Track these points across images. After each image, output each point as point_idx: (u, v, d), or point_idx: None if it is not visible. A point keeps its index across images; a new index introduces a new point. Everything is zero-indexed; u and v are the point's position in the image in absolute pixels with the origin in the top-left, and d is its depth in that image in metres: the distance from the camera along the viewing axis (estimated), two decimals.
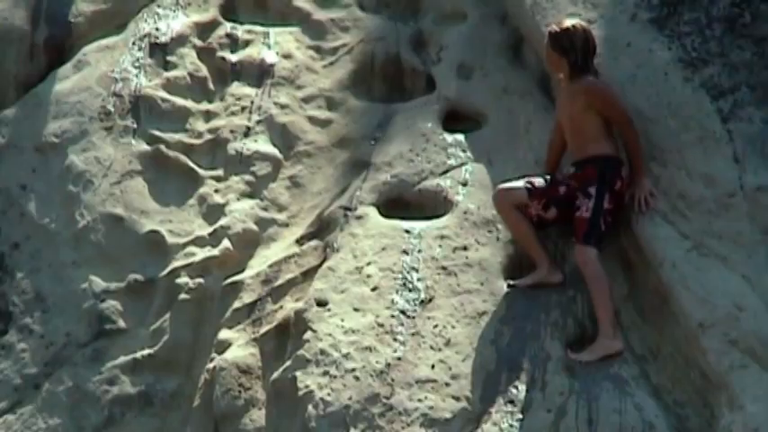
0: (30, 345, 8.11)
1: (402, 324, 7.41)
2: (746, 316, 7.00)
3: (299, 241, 8.07)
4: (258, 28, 9.51)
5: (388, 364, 7.17)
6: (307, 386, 7.24)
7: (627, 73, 7.64)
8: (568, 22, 7.77)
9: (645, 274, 7.36)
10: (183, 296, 8.17)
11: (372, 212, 8.17)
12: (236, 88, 9.16)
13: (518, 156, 8.35)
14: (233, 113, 8.98)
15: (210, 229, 8.47)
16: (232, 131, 8.76)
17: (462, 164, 8.42)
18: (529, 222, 7.36)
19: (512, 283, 7.45)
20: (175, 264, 8.30)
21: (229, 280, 8.18)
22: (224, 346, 7.67)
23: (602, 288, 7.21)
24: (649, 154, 7.44)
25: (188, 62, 9.28)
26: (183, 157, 8.80)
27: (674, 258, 7.10)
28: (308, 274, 7.87)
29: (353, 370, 7.26)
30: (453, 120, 8.70)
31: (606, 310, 7.17)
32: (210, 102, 9.14)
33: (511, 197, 7.36)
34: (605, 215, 7.22)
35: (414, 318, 7.42)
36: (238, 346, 7.64)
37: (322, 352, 7.30)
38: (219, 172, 8.74)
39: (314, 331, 7.39)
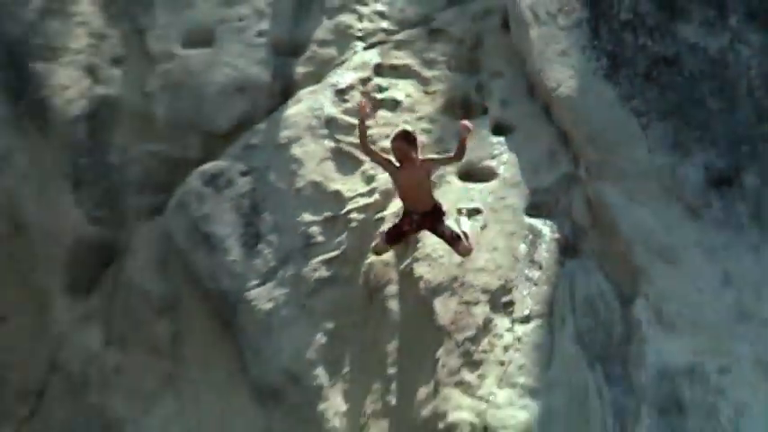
0: None
1: None
2: None
3: None
4: (393, 81, 10.78)
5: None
6: (419, 274, 9.33)
7: None
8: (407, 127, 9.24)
9: None
10: (353, 225, 9.94)
11: (454, 179, 9.94)
12: (382, 113, 10.50)
13: (534, 149, 9.84)
14: (381, 126, 10.33)
15: (368, 188, 10.15)
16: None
17: (502, 153, 9.94)
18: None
19: None
20: (349, 206, 10.09)
21: (378, 215, 9.93)
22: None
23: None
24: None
25: (355, 99, 10.53)
26: (355, 151, 10.28)
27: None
28: None
29: (442, 256, 9.29)
30: (498, 130, 10.19)
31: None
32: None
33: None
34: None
35: None
36: None
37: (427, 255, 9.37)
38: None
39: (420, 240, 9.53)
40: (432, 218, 9.08)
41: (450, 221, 9.13)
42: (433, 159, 9.04)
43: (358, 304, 9.56)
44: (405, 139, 8.86)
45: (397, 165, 8.96)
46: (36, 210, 10.82)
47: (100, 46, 11.02)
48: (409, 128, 9.14)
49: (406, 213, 9.16)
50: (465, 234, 9.13)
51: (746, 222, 8.90)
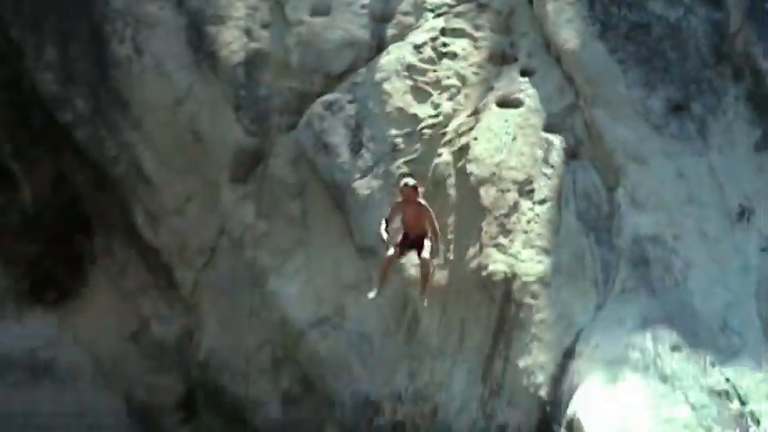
0: None
1: None
2: None
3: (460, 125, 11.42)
4: (453, 39, 11.80)
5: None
6: (470, 171, 10.84)
7: None
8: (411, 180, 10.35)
9: None
10: (425, 137, 11.27)
11: (494, 107, 11.30)
12: (445, 61, 11.76)
13: (549, 86, 11.02)
14: (444, 70, 11.71)
15: (435, 112, 11.28)
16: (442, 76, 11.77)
17: (527, 89, 11.21)
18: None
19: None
20: (422, 124, 11.27)
21: (442, 131, 11.23)
22: None
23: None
24: None
25: (428, 51, 11.76)
26: (427, 87, 11.48)
27: None
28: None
29: (485, 159, 10.80)
30: (524, 73, 11.45)
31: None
32: (435, 65, 11.60)
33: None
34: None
35: None
36: None
37: (475, 158, 10.86)
38: (445, 94, 11.50)
39: (471, 147, 11.07)
40: (420, 241, 10.15)
41: (426, 245, 10.23)
42: (428, 210, 10.16)
43: (428, 191, 10.92)
44: (412, 188, 10.11)
45: (402, 203, 10.22)
46: (209, 126, 12.29)
47: (253, 15, 12.31)
48: (412, 181, 10.23)
49: (406, 236, 10.23)
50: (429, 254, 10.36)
51: (694, 136, 10.47)
